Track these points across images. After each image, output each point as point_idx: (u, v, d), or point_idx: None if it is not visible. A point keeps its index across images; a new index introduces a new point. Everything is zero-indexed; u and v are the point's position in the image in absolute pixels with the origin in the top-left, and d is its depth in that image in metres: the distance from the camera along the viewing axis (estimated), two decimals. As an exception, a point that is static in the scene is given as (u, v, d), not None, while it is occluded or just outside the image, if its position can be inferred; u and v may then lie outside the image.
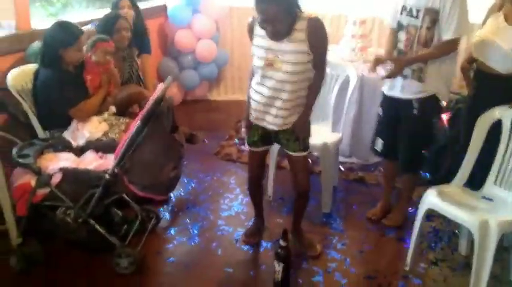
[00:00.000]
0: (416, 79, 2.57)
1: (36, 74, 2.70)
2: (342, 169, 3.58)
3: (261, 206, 2.72)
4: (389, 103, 2.76)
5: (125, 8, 3.38)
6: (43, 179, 2.26)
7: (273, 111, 2.29)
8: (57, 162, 2.40)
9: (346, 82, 3.16)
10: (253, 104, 2.37)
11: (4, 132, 2.57)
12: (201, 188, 3.32)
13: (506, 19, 2.48)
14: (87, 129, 2.72)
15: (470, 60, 2.78)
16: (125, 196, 2.54)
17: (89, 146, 2.61)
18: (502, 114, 2.43)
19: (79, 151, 2.60)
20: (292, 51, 2.14)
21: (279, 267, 2.28)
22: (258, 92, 2.31)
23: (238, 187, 3.34)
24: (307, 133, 2.38)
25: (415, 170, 2.88)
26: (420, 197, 2.48)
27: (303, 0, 2.19)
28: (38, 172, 2.27)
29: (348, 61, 3.74)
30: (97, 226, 2.34)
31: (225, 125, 4.46)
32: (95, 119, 2.78)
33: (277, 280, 2.30)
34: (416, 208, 2.51)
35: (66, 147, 2.60)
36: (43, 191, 2.29)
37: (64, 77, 2.68)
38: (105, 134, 2.77)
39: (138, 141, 2.22)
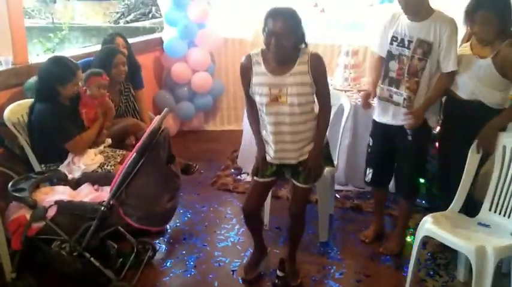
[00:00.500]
0: (406, 108, 2.63)
1: (32, 108, 2.72)
2: (338, 197, 3.59)
3: (261, 236, 2.65)
4: (382, 131, 2.80)
5: (119, 47, 3.44)
6: (38, 212, 2.25)
7: (288, 146, 2.30)
8: (53, 195, 2.40)
9: (340, 111, 3.19)
10: (270, 145, 2.35)
11: (0, 167, 2.58)
12: (197, 218, 3.31)
13: (471, 48, 2.54)
14: (83, 162, 2.73)
15: None
16: (120, 228, 2.53)
17: (84, 179, 2.62)
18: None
19: (75, 184, 2.60)
20: (296, 83, 2.18)
21: (276, 298, 2.26)
22: (269, 131, 2.31)
23: (235, 217, 3.33)
24: (321, 168, 2.39)
25: (413, 196, 2.90)
26: (417, 224, 2.49)
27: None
28: (33, 206, 2.26)
29: (342, 91, 3.80)
30: (92, 259, 2.31)
31: (221, 155, 4.48)
32: (91, 152, 2.80)
33: (275, 312, 2.28)
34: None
35: (62, 180, 2.61)
36: (38, 225, 2.27)
37: (60, 110, 2.70)
38: (101, 166, 2.78)
39: (135, 172, 2.22)
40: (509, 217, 2.35)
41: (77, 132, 2.74)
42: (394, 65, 2.65)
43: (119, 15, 11.20)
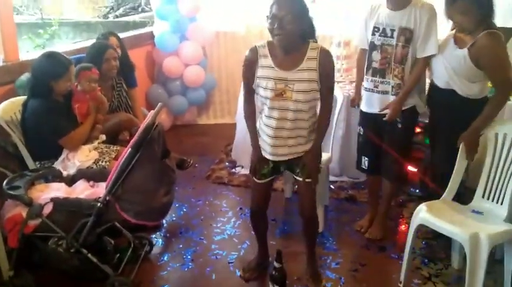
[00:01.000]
0: (396, 95, 2.67)
1: (25, 105, 2.71)
2: (333, 187, 3.61)
3: (265, 239, 2.62)
4: (370, 120, 2.85)
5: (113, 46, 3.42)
6: (34, 210, 2.25)
7: (289, 141, 2.24)
8: (49, 192, 2.39)
9: (333, 102, 3.20)
10: (266, 139, 2.29)
11: (-6, 165, 2.57)
12: (193, 212, 3.32)
13: (455, 40, 2.53)
14: (77, 159, 2.73)
15: None
16: (116, 224, 2.53)
17: (79, 175, 2.62)
18: (486, 129, 2.48)
19: (70, 181, 2.60)
20: (303, 79, 2.12)
21: (274, 289, 2.28)
22: (268, 125, 2.24)
23: (231, 210, 3.34)
24: (318, 166, 2.34)
25: (401, 179, 2.95)
26: (411, 213, 2.52)
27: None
28: (29, 203, 2.26)
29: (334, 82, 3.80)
30: (90, 256, 2.32)
31: (215, 148, 4.49)
32: (85, 148, 2.79)
33: (272, 303, 2.29)
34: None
35: (57, 177, 2.60)
36: (34, 222, 2.27)
37: (54, 107, 2.69)
38: (96, 162, 2.78)
39: (130, 168, 2.23)
40: (501, 203, 2.38)
41: (71, 128, 2.74)
42: (376, 55, 2.71)
43: (108, 9, 11.10)
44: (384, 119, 2.69)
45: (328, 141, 3.29)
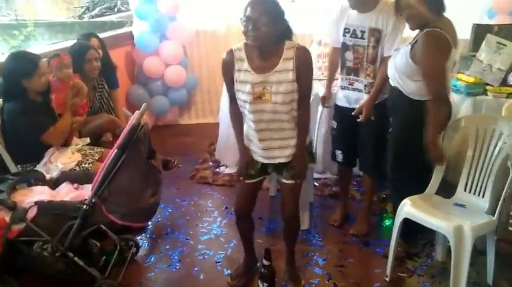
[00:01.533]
0: (369, 93, 2.75)
1: (2, 109, 2.65)
2: (317, 185, 3.64)
3: (251, 243, 2.58)
4: (344, 114, 2.90)
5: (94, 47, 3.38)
6: (18, 214, 2.21)
7: (277, 143, 2.22)
8: (32, 196, 2.35)
9: (316, 100, 3.23)
10: (255, 142, 2.26)
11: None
12: (178, 213, 3.30)
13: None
14: (60, 161, 2.69)
15: None
16: (102, 226, 2.51)
17: (63, 178, 2.58)
18: (467, 124, 2.54)
19: (53, 184, 2.56)
20: (281, 81, 2.08)
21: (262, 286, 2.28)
22: (254, 130, 2.21)
23: (216, 210, 3.34)
24: (306, 168, 2.31)
25: (378, 172, 2.97)
26: (395, 208, 2.56)
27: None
28: (12, 207, 2.21)
29: (315, 80, 3.83)
30: (76, 259, 2.29)
31: (198, 148, 4.48)
32: (68, 150, 2.76)
33: (262, 300, 2.30)
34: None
35: (40, 180, 2.56)
36: (18, 227, 2.23)
37: (30, 107, 2.64)
38: (79, 164, 2.74)
39: (116, 169, 2.21)
40: (483, 196, 2.43)
41: (51, 123, 2.69)
42: (349, 55, 2.77)
43: (83, 9, 10.92)
44: (358, 120, 2.72)
45: (312, 139, 3.31)
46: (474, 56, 3.41)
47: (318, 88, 3.28)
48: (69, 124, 2.78)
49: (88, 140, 2.98)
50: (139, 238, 2.93)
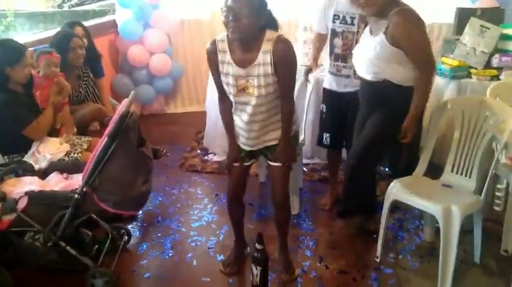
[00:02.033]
0: (358, 79, 2.73)
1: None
2: (306, 170, 3.67)
3: (242, 228, 2.57)
4: (334, 98, 2.94)
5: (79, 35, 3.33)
6: (8, 205, 2.18)
7: (258, 134, 2.22)
8: (22, 186, 2.32)
9: (303, 86, 3.24)
10: (240, 132, 2.26)
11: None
12: (168, 201, 3.30)
13: (370, 31, 2.44)
14: (48, 151, 2.66)
15: None
16: (93, 215, 2.49)
17: (52, 168, 2.56)
18: (452, 106, 2.58)
19: (42, 174, 2.53)
20: (261, 74, 2.04)
21: (256, 271, 2.29)
22: (240, 120, 2.22)
23: (206, 197, 3.35)
24: (293, 158, 2.30)
25: None
26: (383, 191, 2.60)
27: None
28: (2, 198, 2.19)
29: (302, 66, 3.84)
30: (68, 248, 2.28)
31: (186, 136, 4.47)
32: (56, 140, 2.73)
33: (255, 284, 2.32)
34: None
35: (28, 171, 2.53)
36: (9, 218, 2.20)
37: (12, 98, 2.60)
38: (68, 154, 2.72)
39: (107, 157, 2.19)
40: (470, 177, 2.48)
41: (33, 117, 2.66)
42: (338, 41, 2.80)
43: (62, -1, 10.74)
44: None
45: (301, 125, 3.33)
46: (458, 39, 3.46)
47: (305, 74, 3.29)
48: (51, 119, 2.76)
49: (75, 129, 2.95)
50: (130, 226, 2.92)
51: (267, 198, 3.25)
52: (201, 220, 3.06)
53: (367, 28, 2.50)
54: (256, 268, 2.30)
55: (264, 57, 2.02)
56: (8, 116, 2.56)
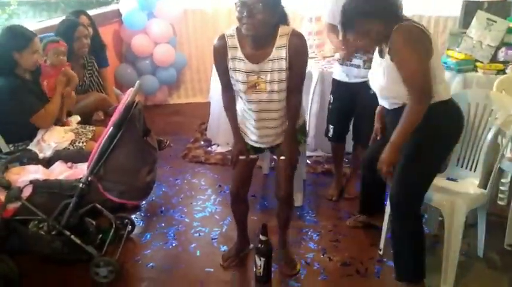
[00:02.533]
0: (368, 68, 2.71)
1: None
2: (309, 162, 3.67)
3: (245, 226, 2.55)
4: (344, 89, 2.94)
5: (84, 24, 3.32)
6: (13, 193, 2.19)
7: (267, 131, 2.21)
8: (26, 175, 2.33)
9: (308, 78, 3.22)
10: (250, 128, 2.25)
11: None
12: (172, 191, 3.31)
13: (380, 51, 2.20)
14: (53, 140, 2.66)
15: None
16: (97, 205, 2.50)
17: (56, 157, 2.56)
18: (458, 99, 2.56)
19: (46, 163, 2.54)
20: (275, 69, 2.02)
21: (260, 262, 2.29)
22: (249, 117, 2.20)
23: (210, 188, 3.36)
24: (296, 152, 2.28)
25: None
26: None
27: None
28: (7, 186, 2.19)
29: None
30: (73, 237, 2.29)
31: (189, 127, 4.47)
32: (61, 129, 2.73)
33: (259, 275, 2.32)
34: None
35: (33, 159, 2.53)
36: (14, 206, 2.21)
37: (20, 85, 2.60)
38: (72, 143, 2.72)
39: (112, 147, 2.19)
40: (474, 170, 2.47)
41: (40, 105, 2.65)
42: None
43: (66, -12, 10.69)
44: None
45: (305, 117, 3.33)
46: (464, 32, 3.43)
47: (311, 66, 3.28)
48: (58, 108, 2.75)
49: (78, 117, 2.95)
50: (134, 216, 2.93)
51: (270, 190, 3.26)
52: (204, 210, 3.06)
53: (376, 50, 2.27)
54: (260, 259, 2.30)
55: (279, 52, 2.00)
56: (15, 102, 2.55)
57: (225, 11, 4.96)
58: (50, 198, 2.26)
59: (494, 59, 3.30)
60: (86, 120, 3.05)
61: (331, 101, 3.05)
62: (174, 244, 2.70)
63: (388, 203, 2.40)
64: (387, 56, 2.07)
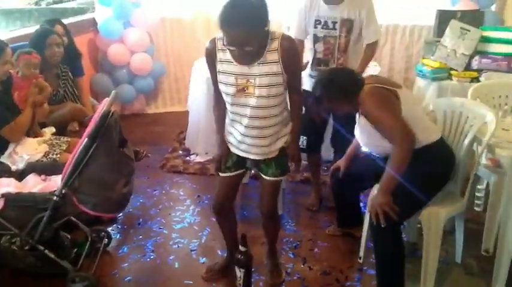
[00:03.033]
0: None
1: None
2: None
3: (235, 238, 2.44)
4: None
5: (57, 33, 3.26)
6: (-16, 207, 2.12)
7: (254, 141, 2.11)
8: (-2, 188, 2.26)
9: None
10: (230, 138, 2.19)
11: None
12: (150, 202, 3.25)
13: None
14: (25, 152, 2.60)
15: None
16: (72, 217, 2.44)
17: (30, 169, 2.50)
18: (435, 108, 2.60)
19: (19, 175, 2.48)
20: (265, 73, 1.96)
21: (240, 273, 2.27)
22: (233, 122, 2.13)
23: (189, 198, 3.32)
24: (300, 159, 2.28)
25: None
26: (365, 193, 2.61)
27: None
28: (-23, 201, 2.13)
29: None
30: (47, 252, 2.23)
31: (167, 137, 4.41)
32: (34, 141, 2.67)
33: (239, 286, 2.30)
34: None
35: (5, 172, 2.47)
36: (-15, 220, 2.15)
37: None
38: (46, 155, 2.66)
39: (87, 158, 2.14)
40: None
41: (10, 117, 2.58)
42: (320, 46, 2.85)
43: (40, -4, 10.52)
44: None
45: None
46: (439, 41, 3.49)
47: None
48: (30, 120, 2.68)
49: (53, 129, 2.89)
50: (110, 229, 2.87)
51: (249, 199, 3.25)
52: (183, 221, 3.02)
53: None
54: (240, 270, 2.27)
55: (270, 56, 1.96)
56: None
57: (203, 19, 4.94)
58: (23, 212, 2.20)
59: (468, 68, 3.36)
60: (60, 131, 2.98)
61: (303, 112, 3.02)
62: (152, 257, 2.65)
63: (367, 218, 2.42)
64: (363, 118, 2.24)
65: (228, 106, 2.12)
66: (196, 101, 3.82)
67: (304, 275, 2.50)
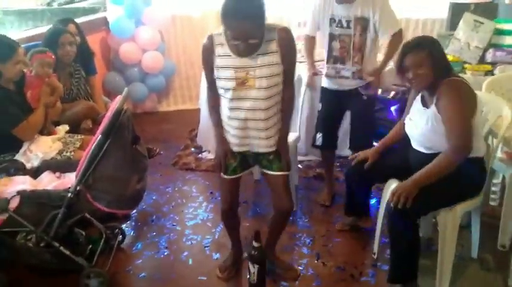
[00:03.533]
0: (358, 78, 2.84)
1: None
2: (301, 167, 3.65)
3: (238, 236, 2.50)
4: (333, 96, 2.96)
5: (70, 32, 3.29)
6: (0, 204, 2.14)
7: (256, 133, 2.11)
8: (13, 186, 2.28)
9: (298, 83, 3.22)
10: (231, 132, 2.15)
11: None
12: (163, 199, 3.27)
13: (422, 101, 2.31)
14: (40, 150, 2.61)
15: None
16: (87, 214, 2.45)
17: (44, 167, 2.51)
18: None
19: (34, 173, 2.49)
20: (265, 64, 1.97)
21: (253, 269, 2.27)
22: (233, 118, 2.10)
23: (201, 195, 3.32)
24: (289, 157, 2.24)
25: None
26: (378, 188, 2.59)
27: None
28: (-7, 198, 2.15)
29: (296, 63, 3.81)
30: (62, 248, 2.24)
31: (179, 135, 4.43)
32: (48, 139, 2.68)
33: (252, 282, 2.29)
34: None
35: (20, 170, 2.48)
36: (1, 218, 2.16)
37: (3, 94, 2.54)
38: (60, 153, 2.67)
39: (101, 155, 2.15)
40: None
41: (23, 116, 2.59)
42: (336, 44, 2.84)
43: (51, -4, 10.60)
44: (364, 93, 2.83)
45: (296, 121, 3.31)
46: (452, 34, 3.45)
47: (300, 70, 3.26)
48: (42, 119, 2.70)
49: (67, 127, 2.91)
50: (124, 226, 2.89)
51: (262, 196, 3.25)
52: (196, 218, 3.02)
53: (418, 97, 2.33)
54: (254, 266, 2.27)
55: (269, 46, 1.97)
56: None
57: (213, 15, 4.92)
58: (38, 209, 2.21)
59: (482, 61, 3.32)
60: (74, 129, 3.00)
61: (320, 109, 3.04)
62: (165, 253, 2.66)
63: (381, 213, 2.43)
64: (433, 107, 2.16)
65: (226, 103, 2.10)
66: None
67: (318, 271, 2.49)
